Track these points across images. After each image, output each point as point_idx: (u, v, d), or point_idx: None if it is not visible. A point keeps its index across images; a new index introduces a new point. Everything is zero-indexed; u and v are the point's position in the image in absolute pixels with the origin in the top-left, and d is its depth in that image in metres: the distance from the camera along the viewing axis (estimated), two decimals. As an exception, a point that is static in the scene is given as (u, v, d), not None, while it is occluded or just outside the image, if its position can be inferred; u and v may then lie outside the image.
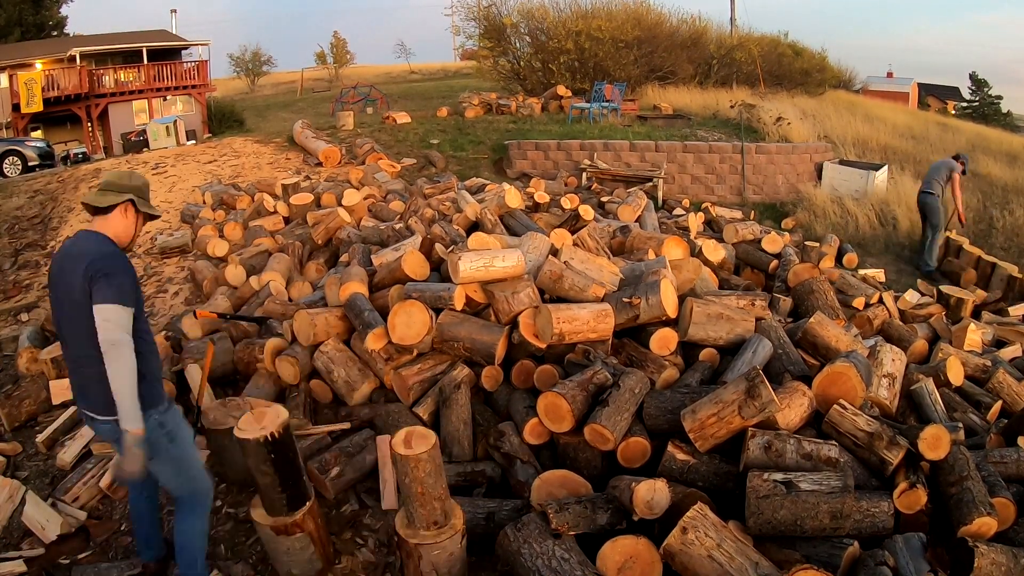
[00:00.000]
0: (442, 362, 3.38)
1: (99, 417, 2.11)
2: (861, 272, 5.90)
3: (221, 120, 21.14)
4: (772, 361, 3.16)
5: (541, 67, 15.26)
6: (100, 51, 20.43)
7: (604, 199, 7.64)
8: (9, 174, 12.61)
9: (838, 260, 6.47)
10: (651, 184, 9.01)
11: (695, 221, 6.52)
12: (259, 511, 2.37)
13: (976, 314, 5.32)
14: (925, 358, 4.34)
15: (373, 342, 3.29)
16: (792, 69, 17.17)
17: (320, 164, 9.23)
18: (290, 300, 4.57)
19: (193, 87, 21.70)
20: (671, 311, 3.27)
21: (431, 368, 3.34)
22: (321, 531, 2.47)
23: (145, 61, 21.00)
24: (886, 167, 9.68)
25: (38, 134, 18.07)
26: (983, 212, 8.62)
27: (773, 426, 2.57)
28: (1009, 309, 5.40)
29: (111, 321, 1.96)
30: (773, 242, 5.57)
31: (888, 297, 5.02)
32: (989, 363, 4.01)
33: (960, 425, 2.96)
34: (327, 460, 2.92)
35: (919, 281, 6.26)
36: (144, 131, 17.79)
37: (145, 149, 15.80)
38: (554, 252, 3.86)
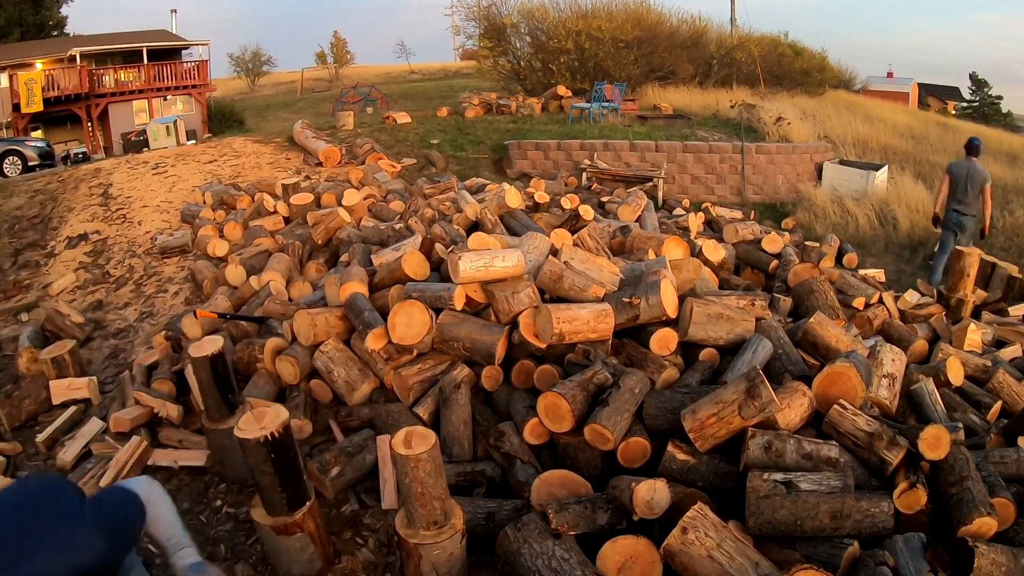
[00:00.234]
0: (442, 362, 3.38)
1: None
2: (861, 272, 5.88)
3: (221, 120, 21.17)
4: (772, 361, 3.16)
5: (541, 67, 15.27)
6: (100, 51, 20.46)
7: (604, 199, 7.63)
8: (9, 174, 12.62)
9: (838, 260, 6.46)
10: (651, 184, 9.01)
11: (695, 221, 6.51)
12: (259, 511, 2.36)
13: (976, 314, 5.32)
14: (925, 358, 4.33)
15: (373, 342, 3.29)
16: (792, 69, 17.19)
17: (320, 164, 9.21)
18: (290, 300, 4.56)
19: (193, 87, 21.73)
20: (671, 311, 3.27)
21: (431, 368, 3.33)
22: (321, 531, 2.47)
23: (145, 61, 21.03)
24: (886, 167, 9.68)
25: (38, 134, 18.09)
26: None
27: (773, 426, 2.56)
28: (1009, 309, 5.39)
29: None
30: (773, 242, 5.56)
31: (888, 297, 5.01)
32: (989, 363, 4.00)
33: (960, 425, 2.95)
34: (327, 460, 2.91)
35: (919, 281, 6.26)
36: (144, 131, 17.82)
37: (145, 149, 15.83)
38: (554, 252, 3.86)
